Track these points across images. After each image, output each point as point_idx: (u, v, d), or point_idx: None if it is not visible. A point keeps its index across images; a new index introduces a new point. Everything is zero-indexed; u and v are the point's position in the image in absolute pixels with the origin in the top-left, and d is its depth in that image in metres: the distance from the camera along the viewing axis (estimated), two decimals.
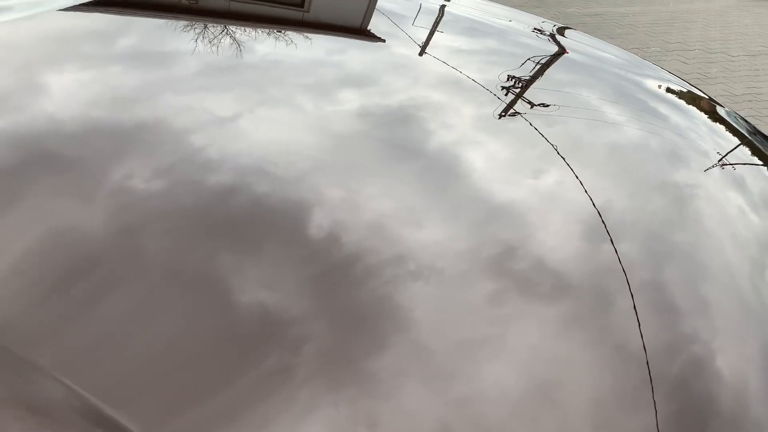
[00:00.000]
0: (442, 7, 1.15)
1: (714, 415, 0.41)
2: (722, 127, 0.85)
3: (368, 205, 0.50)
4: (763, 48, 4.77)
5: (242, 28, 0.81)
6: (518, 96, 0.74)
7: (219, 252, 0.43)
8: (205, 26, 0.79)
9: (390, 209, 0.50)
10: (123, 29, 0.75)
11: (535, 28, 1.11)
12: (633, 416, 0.39)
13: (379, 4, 1.10)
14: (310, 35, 0.82)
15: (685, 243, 0.55)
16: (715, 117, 0.89)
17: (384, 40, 0.87)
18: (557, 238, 0.50)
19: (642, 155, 0.68)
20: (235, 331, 0.38)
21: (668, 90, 0.94)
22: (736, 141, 0.81)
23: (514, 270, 0.46)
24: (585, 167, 0.61)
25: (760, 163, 0.77)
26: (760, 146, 0.83)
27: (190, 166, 0.50)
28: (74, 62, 0.64)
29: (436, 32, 0.97)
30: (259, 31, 0.82)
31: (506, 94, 0.74)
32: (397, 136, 0.60)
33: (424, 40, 0.90)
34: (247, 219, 0.46)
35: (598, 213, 0.55)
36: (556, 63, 0.92)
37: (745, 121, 0.94)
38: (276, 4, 1.03)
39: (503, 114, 0.69)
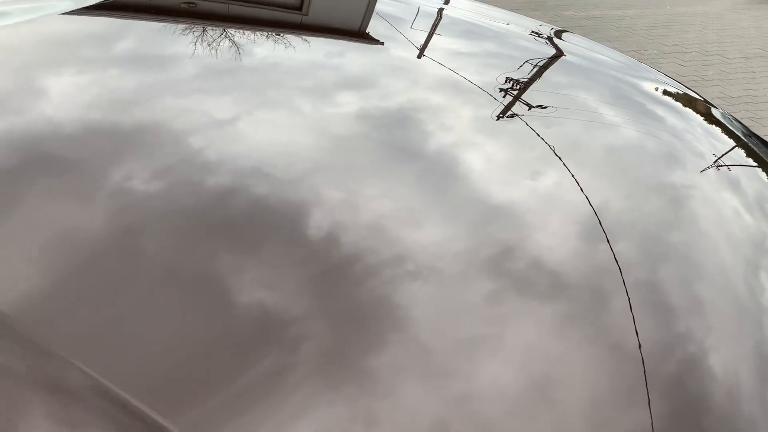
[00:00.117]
0: (440, 10, 1.16)
1: (708, 413, 0.41)
2: (717, 129, 0.86)
3: (367, 206, 0.51)
4: (760, 51, 4.79)
5: (242, 31, 0.82)
6: (516, 98, 0.75)
7: (220, 253, 0.44)
8: (205, 30, 0.79)
9: (389, 210, 0.50)
10: (123, 33, 0.76)
11: (532, 31, 1.12)
12: (629, 414, 0.39)
13: (377, 7, 1.10)
14: (308, 38, 0.83)
15: (681, 243, 0.56)
16: (710, 119, 0.90)
17: (383, 43, 0.88)
18: (554, 239, 0.51)
19: (638, 157, 0.69)
20: (236, 330, 0.38)
21: (664, 92, 0.95)
22: (730, 143, 0.82)
23: (511, 270, 0.47)
24: (582, 168, 0.62)
25: (754, 164, 0.78)
26: (754, 148, 0.84)
27: (192, 168, 0.50)
28: (75, 66, 0.65)
29: (434, 35, 0.97)
30: (259, 35, 0.83)
31: (504, 97, 0.74)
32: (396, 138, 0.61)
33: (422, 42, 0.91)
34: (249, 220, 0.47)
35: (595, 214, 0.55)
36: (553, 66, 0.93)
37: (740, 122, 0.95)
38: (275, 8, 1.03)
39: (501, 116, 0.70)
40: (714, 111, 0.95)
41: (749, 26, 5.62)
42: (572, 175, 0.60)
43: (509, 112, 0.71)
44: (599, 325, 0.44)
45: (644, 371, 0.41)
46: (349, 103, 0.66)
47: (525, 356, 0.40)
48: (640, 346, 0.43)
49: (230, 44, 0.75)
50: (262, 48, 0.77)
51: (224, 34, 0.78)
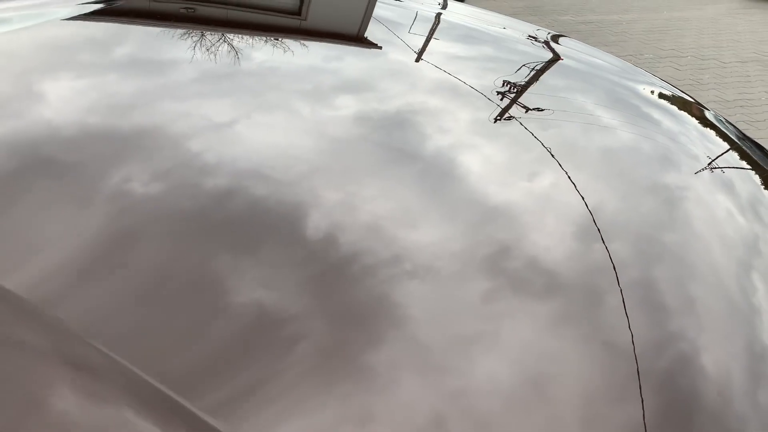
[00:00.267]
0: (438, 14, 1.17)
1: (700, 409, 0.42)
2: (710, 132, 0.87)
3: (366, 208, 0.51)
4: (755, 55, 4.83)
5: (242, 36, 0.82)
6: (513, 101, 0.76)
7: (223, 253, 0.44)
8: (205, 35, 0.80)
9: (387, 211, 0.51)
10: (124, 38, 0.77)
11: (529, 36, 1.13)
12: (622, 410, 0.40)
13: (375, 12, 1.11)
14: (307, 43, 0.84)
15: (674, 244, 0.57)
16: (704, 122, 0.91)
17: (381, 47, 0.89)
18: (550, 239, 0.52)
19: (633, 159, 0.70)
20: (237, 329, 0.39)
21: (658, 96, 0.96)
22: (723, 145, 0.83)
23: (508, 269, 0.47)
24: (578, 170, 0.63)
25: (747, 166, 0.79)
26: (747, 150, 0.85)
27: (195, 170, 0.51)
28: (78, 71, 0.66)
29: (432, 39, 0.98)
30: (258, 40, 0.84)
31: (501, 100, 0.75)
32: (394, 141, 0.62)
33: (420, 47, 0.92)
34: (251, 221, 0.47)
35: (590, 214, 0.56)
36: (550, 69, 0.94)
37: (733, 125, 0.96)
38: (274, 13, 1.04)
39: (498, 118, 0.71)
40: (708, 114, 0.96)
41: (744, 30, 5.67)
42: (568, 177, 0.61)
43: (506, 115, 0.72)
44: (594, 324, 0.45)
45: (637, 369, 0.42)
46: (347, 106, 0.67)
47: (521, 354, 0.41)
48: (633, 344, 0.44)
49: (230, 49, 0.76)
50: (261, 52, 0.78)
51: (224, 39, 0.79)
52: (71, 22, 0.77)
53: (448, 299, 0.44)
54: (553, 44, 1.12)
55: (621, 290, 0.48)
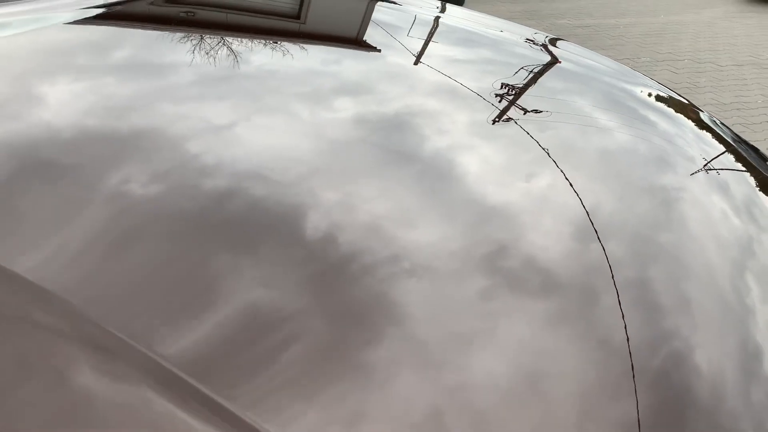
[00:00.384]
0: (437, 18, 1.18)
1: (692, 406, 0.42)
2: (705, 134, 0.88)
3: (365, 208, 0.52)
4: (751, 58, 4.86)
5: (242, 40, 0.83)
6: (511, 103, 0.77)
7: (225, 254, 0.45)
8: (205, 39, 0.81)
9: (386, 211, 0.52)
10: (125, 42, 0.77)
11: (527, 39, 1.14)
12: (617, 407, 0.40)
13: (374, 15, 1.12)
14: (306, 46, 0.85)
15: (669, 244, 0.57)
16: (699, 124, 0.92)
17: (380, 50, 0.89)
18: (547, 239, 0.52)
19: (629, 160, 0.71)
20: (238, 328, 0.39)
21: (654, 98, 0.97)
22: (717, 146, 0.84)
23: (506, 269, 0.48)
24: (575, 171, 0.63)
25: (740, 168, 0.80)
26: (741, 152, 0.86)
27: (196, 171, 0.52)
28: (80, 74, 0.66)
29: (430, 42, 0.99)
30: (259, 43, 0.84)
31: (499, 102, 0.76)
32: (393, 142, 0.62)
33: (419, 50, 0.93)
34: (251, 221, 0.48)
35: (587, 215, 0.57)
36: (547, 72, 0.95)
37: (727, 127, 0.97)
38: (273, 16, 1.05)
39: (497, 120, 0.71)
40: (703, 116, 0.97)
41: (741, 34, 5.70)
42: (566, 178, 0.62)
43: (504, 117, 0.73)
44: (590, 322, 0.46)
45: (632, 367, 0.43)
46: (346, 108, 0.67)
47: (518, 351, 0.42)
48: (628, 342, 0.44)
49: (230, 52, 0.76)
50: (261, 56, 0.78)
51: (225, 42, 0.80)
52: (74, 26, 0.78)
53: (447, 298, 0.44)
54: (550, 47, 1.13)
55: (617, 289, 0.48)
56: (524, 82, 0.86)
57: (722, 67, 4.55)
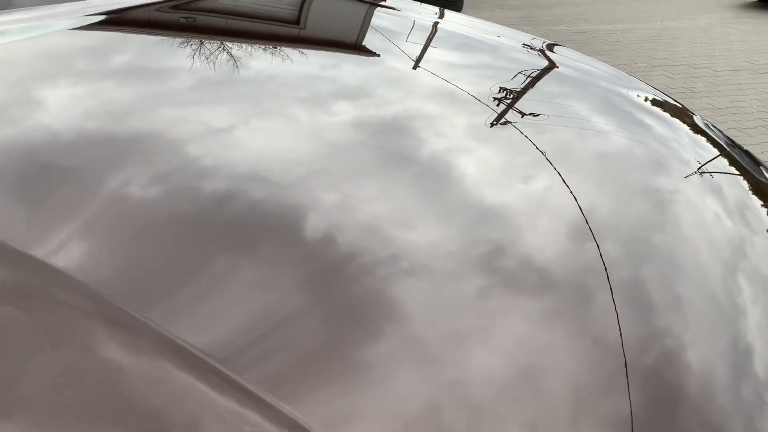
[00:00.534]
0: (435, 23, 1.19)
1: (684, 402, 0.43)
2: (699, 138, 0.89)
3: (365, 209, 0.53)
4: (747, 63, 4.89)
5: (242, 45, 0.84)
6: (508, 107, 0.78)
7: (227, 254, 0.46)
8: (207, 44, 0.82)
9: (385, 212, 0.52)
10: (128, 48, 0.79)
11: (525, 44, 1.16)
12: (609, 402, 0.41)
13: (373, 21, 1.14)
14: (306, 51, 0.86)
15: (663, 245, 0.58)
16: (693, 128, 0.93)
17: (379, 55, 0.91)
18: (543, 239, 0.53)
19: (625, 163, 0.72)
20: (238, 327, 0.40)
21: (649, 102, 0.98)
22: (711, 150, 0.85)
23: (503, 268, 0.49)
24: (571, 173, 0.64)
25: (733, 171, 0.82)
26: (735, 155, 0.87)
27: (199, 173, 0.53)
28: (86, 79, 0.67)
29: (429, 48, 1.01)
30: (260, 49, 0.86)
31: (497, 105, 0.77)
32: (392, 145, 0.63)
33: (417, 55, 0.94)
34: (251, 222, 0.49)
35: (583, 216, 0.58)
36: (545, 77, 0.96)
37: (720, 131, 0.98)
38: (273, 22, 1.06)
39: (495, 123, 0.72)
40: (697, 120, 0.99)
41: (736, 40, 5.74)
42: (562, 180, 0.63)
43: (502, 120, 0.74)
44: (584, 321, 0.47)
45: (625, 363, 0.43)
46: (345, 112, 0.68)
47: (513, 348, 0.43)
48: (622, 340, 0.45)
49: (232, 58, 0.78)
50: (262, 61, 0.79)
51: (226, 48, 0.81)
52: (78, 32, 0.79)
53: (447, 295, 0.45)
54: (548, 53, 1.15)
55: (611, 289, 0.49)
56: (522, 86, 0.88)
57: (718, 73, 4.59)
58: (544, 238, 0.53)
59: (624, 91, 1.00)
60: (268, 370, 0.38)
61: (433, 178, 0.59)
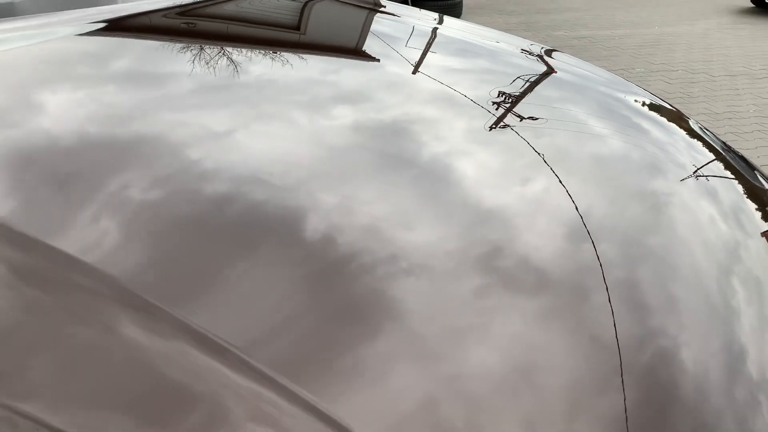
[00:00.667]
0: (434, 29, 1.21)
1: (677, 400, 0.44)
2: (694, 142, 0.90)
3: (365, 210, 0.54)
4: (744, 69, 4.92)
5: (244, 51, 0.85)
6: (507, 111, 0.79)
7: (230, 252, 0.46)
8: (210, 50, 0.83)
9: (385, 213, 0.53)
10: (130, 53, 0.80)
11: (523, 50, 1.17)
12: (604, 399, 0.42)
13: (373, 27, 1.15)
14: (307, 56, 0.87)
15: (658, 246, 0.59)
16: (689, 132, 0.94)
17: (378, 60, 0.92)
18: (541, 240, 0.54)
19: (621, 166, 0.73)
20: (240, 326, 0.40)
21: (646, 107, 1.00)
22: (705, 153, 0.87)
23: (501, 269, 0.50)
24: (569, 176, 0.65)
25: (728, 174, 0.83)
26: (730, 160, 0.88)
27: (203, 175, 0.54)
28: (92, 84, 0.69)
29: (428, 53, 1.02)
30: (261, 54, 0.87)
31: (496, 109, 0.78)
32: (392, 147, 0.64)
33: (417, 59, 0.95)
34: (252, 223, 0.50)
35: (580, 217, 0.59)
36: (543, 82, 0.97)
37: (715, 136, 0.99)
38: (275, 28, 1.07)
39: (493, 127, 0.74)
40: (692, 125, 1.00)
41: (733, 45, 5.77)
42: (560, 182, 0.64)
43: (501, 124, 0.75)
44: (580, 320, 0.48)
45: (620, 362, 0.44)
46: (345, 115, 0.69)
47: (510, 347, 0.44)
48: (617, 339, 0.46)
49: (235, 63, 0.79)
50: (263, 66, 0.81)
51: (230, 53, 0.82)
52: (83, 37, 0.80)
53: (445, 294, 0.46)
54: (546, 58, 1.16)
55: (607, 289, 0.50)
56: (520, 91, 0.89)
57: (715, 78, 4.61)
58: (541, 239, 0.54)
59: (621, 95, 1.02)
60: (272, 362, 0.38)
61: (433, 180, 0.60)
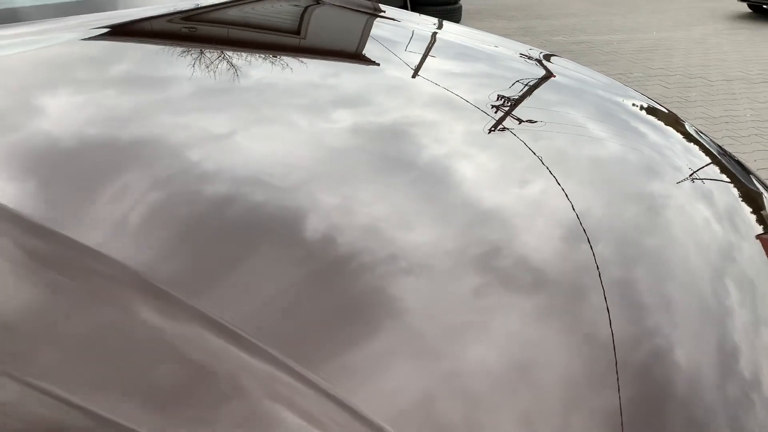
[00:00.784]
0: (434, 34, 1.22)
1: (672, 399, 0.45)
2: (690, 145, 0.91)
3: (365, 211, 0.55)
4: (740, 73, 4.95)
5: (244, 55, 0.87)
6: (506, 114, 0.80)
7: (232, 252, 0.47)
8: (204, 53, 0.84)
9: (384, 214, 0.54)
10: (133, 58, 0.81)
11: (522, 54, 1.18)
12: (600, 397, 0.43)
13: (373, 31, 1.16)
14: (307, 60, 0.88)
15: (654, 247, 0.60)
16: (685, 136, 0.95)
17: (378, 64, 0.93)
18: (539, 241, 0.55)
19: (618, 168, 0.74)
20: (240, 326, 0.41)
21: (643, 111, 1.01)
22: (702, 157, 0.88)
23: (499, 268, 0.51)
24: (566, 178, 0.66)
25: (724, 178, 0.84)
26: (725, 163, 0.89)
27: (204, 177, 0.55)
28: (97, 89, 0.70)
29: (428, 57, 1.03)
30: (262, 58, 0.88)
31: (495, 113, 0.79)
32: (391, 149, 0.65)
33: (416, 63, 0.96)
34: (252, 224, 0.51)
35: (577, 218, 0.60)
36: (541, 86, 0.98)
37: (711, 140, 1.01)
38: (275, 32, 1.09)
39: (492, 130, 0.75)
40: (689, 129, 1.01)
41: (730, 50, 5.81)
42: (558, 184, 0.65)
43: (500, 127, 0.76)
44: (577, 319, 0.48)
45: (616, 360, 0.45)
46: (345, 118, 0.70)
47: (507, 345, 0.44)
48: (613, 338, 0.47)
49: (237, 67, 0.80)
50: (264, 70, 0.82)
51: (231, 58, 0.83)
52: (87, 42, 0.81)
53: (444, 293, 0.47)
54: (544, 62, 1.17)
55: (603, 289, 0.51)
56: (519, 94, 0.90)
57: (712, 82, 4.64)
58: (539, 240, 0.55)
59: (618, 99, 1.03)
60: (275, 355, 0.39)
61: (432, 182, 0.60)
